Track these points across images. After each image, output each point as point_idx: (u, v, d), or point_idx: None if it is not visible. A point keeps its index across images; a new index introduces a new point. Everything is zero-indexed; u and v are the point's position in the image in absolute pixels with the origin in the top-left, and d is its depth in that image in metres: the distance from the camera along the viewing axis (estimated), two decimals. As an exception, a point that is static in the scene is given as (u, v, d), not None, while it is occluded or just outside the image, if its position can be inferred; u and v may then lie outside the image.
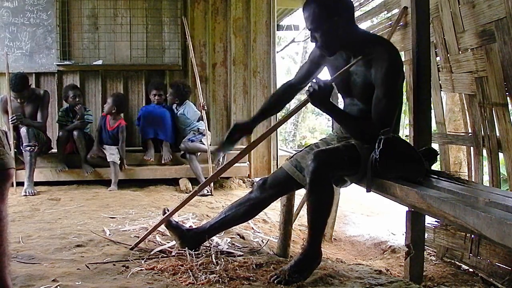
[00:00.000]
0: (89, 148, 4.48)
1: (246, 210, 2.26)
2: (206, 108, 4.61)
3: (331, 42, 2.00)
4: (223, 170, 2.33)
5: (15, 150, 4.21)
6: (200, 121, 4.69)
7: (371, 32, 3.63)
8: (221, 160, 4.49)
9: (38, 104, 4.33)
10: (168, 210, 2.30)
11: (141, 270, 1.93)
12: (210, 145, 4.63)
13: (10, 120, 4.12)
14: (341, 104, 2.32)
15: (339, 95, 2.34)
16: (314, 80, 1.94)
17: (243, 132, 2.27)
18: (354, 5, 3.76)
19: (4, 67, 4.65)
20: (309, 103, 1.97)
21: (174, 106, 4.77)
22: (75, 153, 4.51)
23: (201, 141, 4.57)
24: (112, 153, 4.42)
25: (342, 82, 2.09)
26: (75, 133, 4.40)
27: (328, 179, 1.89)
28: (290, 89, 2.37)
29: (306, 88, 2.00)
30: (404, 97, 4.05)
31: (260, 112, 2.36)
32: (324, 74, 2.29)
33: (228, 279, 1.83)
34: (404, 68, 2.08)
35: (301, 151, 2.29)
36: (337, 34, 1.97)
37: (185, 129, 4.69)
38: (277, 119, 5.26)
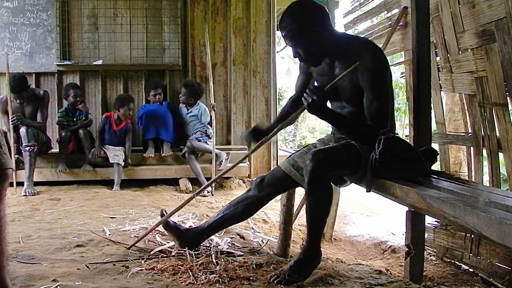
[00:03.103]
0: (92, 146, 4.49)
1: (244, 209, 2.26)
2: (216, 109, 4.61)
3: (315, 53, 1.99)
4: (224, 173, 2.34)
5: (16, 156, 4.20)
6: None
7: (369, 31, 3.65)
8: (223, 162, 4.49)
9: (38, 104, 4.33)
10: (165, 212, 2.29)
11: (141, 270, 1.92)
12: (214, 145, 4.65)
13: (10, 121, 4.12)
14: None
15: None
16: (309, 89, 1.93)
17: (259, 134, 2.27)
18: (354, 5, 3.80)
19: (4, 67, 4.66)
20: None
21: (184, 105, 4.76)
22: (76, 153, 4.52)
23: (206, 142, 4.57)
24: (116, 155, 4.40)
25: (332, 86, 2.08)
26: (81, 131, 4.41)
27: (327, 178, 1.89)
28: (296, 104, 2.31)
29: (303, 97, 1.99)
30: (404, 97, 4.03)
31: (275, 123, 2.36)
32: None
33: (228, 279, 1.83)
34: (389, 66, 2.06)
35: (298, 151, 2.29)
36: (319, 44, 1.96)
37: (191, 129, 4.69)
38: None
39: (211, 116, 4.59)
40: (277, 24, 5.48)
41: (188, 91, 4.71)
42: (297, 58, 2.04)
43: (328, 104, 2.06)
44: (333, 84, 1.96)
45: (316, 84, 2.18)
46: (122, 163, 4.41)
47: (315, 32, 1.93)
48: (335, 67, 2.04)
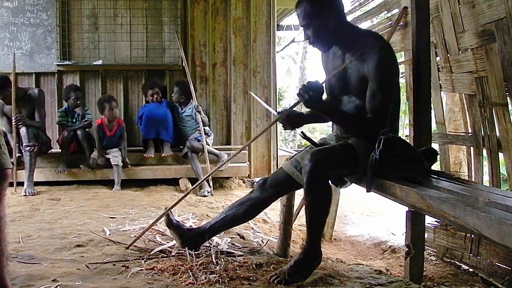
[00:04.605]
0: (92, 147, 4.49)
1: (246, 210, 2.26)
2: (200, 110, 4.59)
3: (323, 37, 2.04)
4: (220, 167, 2.34)
5: (18, 155, 4.19)
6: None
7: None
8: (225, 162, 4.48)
9: (33, 104, 4.31)
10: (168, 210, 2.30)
11: (141, 270, 1.93)
12: (210, 145, 4.65)
13: (14, 121, 4.11)
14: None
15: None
16: (303, 85, 1.93)
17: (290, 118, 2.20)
18: (354, 5, 3.80)
19: (4, 67, 4.67)
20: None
21: (178, 105, 4.77)
22: (77, 153, 4.52)
23: (206, 141, 4.57)
24: (115, 156, 4.42)
25: (339, 80, 2.10)
26: (79, 132, 4.41)
27: (325, 178, 1.89)
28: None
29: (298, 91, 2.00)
30: (404, 97, 4.04)
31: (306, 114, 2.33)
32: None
33: (228, 279, 1.83)
34: (397, 63, 2.07)
35: (301, 151, 2.29)
36: (329, 29, 2.01)
37: (188, 129, 4.69)
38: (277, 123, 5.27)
39: (201, 118, 4.56)
40: (277, 24, 5.49)
41: (179, 90, 4.71)
42: (307, 41, 2.09)
43: (325, 98, 2.06)
44: (331, 77, 2.02)
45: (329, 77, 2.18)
46: (121, 164, 4.41)
47: (326, 16, 2.00)
48: (346, 59, 2.05)
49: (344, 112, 2.06)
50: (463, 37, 2.62)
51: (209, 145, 4.58)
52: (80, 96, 4.61)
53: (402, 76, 3.41)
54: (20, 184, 4.07)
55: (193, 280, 1.81)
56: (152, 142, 4.66)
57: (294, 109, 2.22)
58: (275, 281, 1.81)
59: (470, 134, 2.72)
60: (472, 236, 2.61)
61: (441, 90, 2.93)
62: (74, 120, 4.57)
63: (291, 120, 2.18)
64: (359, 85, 2.00)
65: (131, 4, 5.03)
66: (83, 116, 4.56)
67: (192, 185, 4.42)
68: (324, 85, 1.94)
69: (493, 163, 2.51)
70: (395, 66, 2.02)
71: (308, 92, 1.88)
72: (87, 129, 4.51)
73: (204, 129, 4.59)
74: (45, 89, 4.80)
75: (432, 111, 2.71)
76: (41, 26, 4.90)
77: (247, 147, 4.93)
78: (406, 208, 2.13)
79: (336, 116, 2.04)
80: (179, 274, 1.88)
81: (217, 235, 2.41)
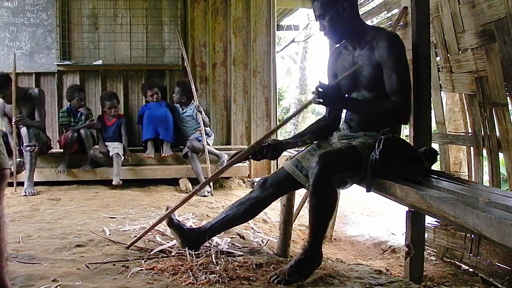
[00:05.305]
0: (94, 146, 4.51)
1: (246, 210, 2.26)
2: (201, 110, 4.60)
3: (338, 27, 2.11)
4: (223, 170, 2.34)
5: (19, 160, 4.19)
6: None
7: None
8: (224, 163, 4.48)
9: (33, 104, 4.30)
10: (169, 208, 2.29)
11: (141, 270, 1.92)
12: (210, 145, 4.65)
13: (14, 121, 4.10)
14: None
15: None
16: (317, 85, 1.95)
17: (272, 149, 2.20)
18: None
19: (4, 67, 4.67)
20: (311, 104, 2.00)
21: (178, 105, 4.77)
22: (79, 153, 4.52)
23: (206, 141, 4.57)
24: (115, 147, 4.46)
25: (349, 75, 2.11)
26: (82, 131, 4.43)
27: (332, 181, 1.89)
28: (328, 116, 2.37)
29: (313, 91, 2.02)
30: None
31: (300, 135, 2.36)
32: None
33: (228, 279, 1.83)
34: (405, 50, 2.09)
35: (302, 151, 2.29)
36: (343, 19, 2.08)
37: (189, 129, 4.69)
38: (277, 123, 5.27)
39: (201, 118, 4.57)
40: (277, 24, 5.49)
41: (181, 90, 4.71)
42: (322, 32, 2.15)
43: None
44: (345, 76, 2.07)
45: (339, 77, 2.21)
46: (122, 155, 4.45)
47: (342, 7, 2.07)
48: (356, 55, 2.11)
49: (366, 102, 2.10)
50: (463, 37, 2.62)
51: (209, 145, 4.58)
52: (84, 97, 4.64)
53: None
54: (20, 184, 4.07)
55: (193, 280, 1.81)
56: (152, 142, 4.66)
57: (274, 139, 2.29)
58: (275, 281, 1.81)
59: (470, 134, 2.72)
60: (472, 236, 2.61)
61: (441, 90, 2.93)
62: (76, 120, 4.58)
63: (273, 149, 2.19)
64: (372, 74, 2.04)
65: (131, 4, 5.03)
66: (87, 116, 4.57)
67: (192, 185, 4.43)
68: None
69: (493, 163, 2.51)
70: (404, 51, 2.05)
71: (323, 92, 1.93)
72: (91, 129, 4.52)
73: (205, 129, 4.59)
74: (45, 89, 4.80)
75: (432, 111, 2.71)
76: (41, 26, 4.90)
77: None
78: (406, 208, 2.13)
79: (357, 105, 2.10)
80: (179, 274, 1.88)
81: (217, 235, 2.41)
